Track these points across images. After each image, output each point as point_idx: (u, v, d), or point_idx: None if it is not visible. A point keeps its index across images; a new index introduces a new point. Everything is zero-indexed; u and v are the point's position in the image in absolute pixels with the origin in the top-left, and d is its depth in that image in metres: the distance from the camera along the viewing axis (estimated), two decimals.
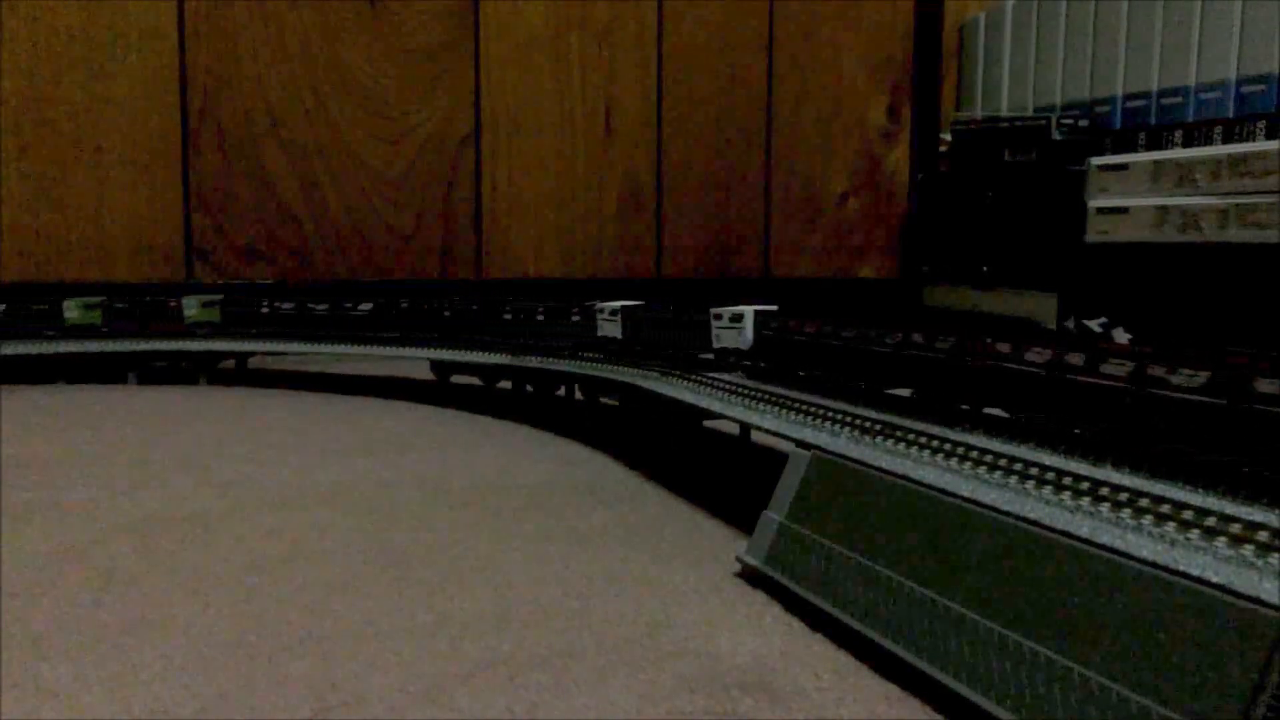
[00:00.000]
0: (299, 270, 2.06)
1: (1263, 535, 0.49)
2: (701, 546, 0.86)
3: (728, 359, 1.11)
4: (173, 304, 1.81)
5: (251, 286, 1.99)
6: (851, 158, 2.19)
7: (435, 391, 1.65)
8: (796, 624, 0.69)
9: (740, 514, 0.92)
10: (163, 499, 1.00)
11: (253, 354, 1.87)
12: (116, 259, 1.99)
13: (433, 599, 0.73)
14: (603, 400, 1.40)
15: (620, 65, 2.13)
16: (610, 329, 1.32)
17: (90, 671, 0.61)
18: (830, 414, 0.85)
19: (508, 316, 1.55)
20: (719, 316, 1.10)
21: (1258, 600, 0.44)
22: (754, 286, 2.17)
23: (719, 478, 1.14)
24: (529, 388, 1.53)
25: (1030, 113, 1.61)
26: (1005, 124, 1.51)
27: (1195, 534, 0.51)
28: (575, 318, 1.42)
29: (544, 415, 1.44)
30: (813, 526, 0.73)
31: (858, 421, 0.82)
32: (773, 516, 0.78)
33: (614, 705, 0.57)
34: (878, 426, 0.79)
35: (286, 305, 1.78)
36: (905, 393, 0.87)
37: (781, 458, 0.81)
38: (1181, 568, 0.48)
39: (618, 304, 1.31)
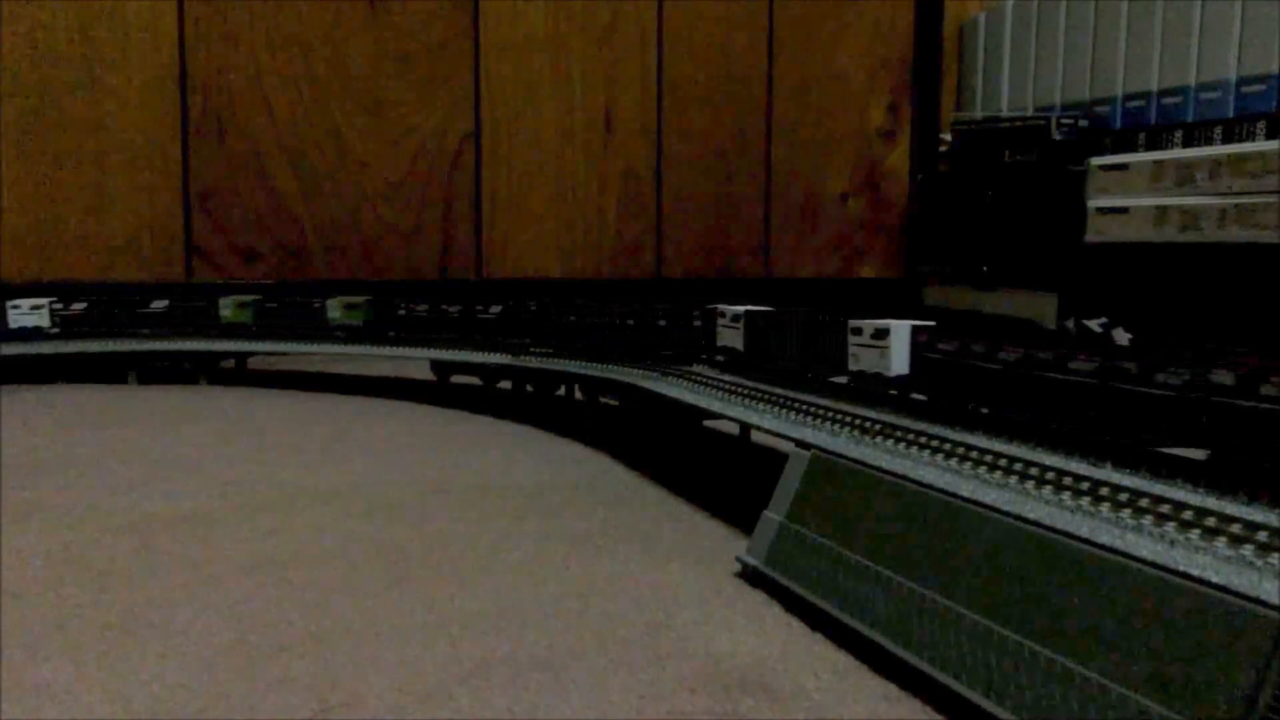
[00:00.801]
0: (298, 270, 2.06)
1: (1262, 535, 0.49)
2: (701, 546, 0.86)
3: (874, 387, 0.87)
4: (316, 304, 1.75)
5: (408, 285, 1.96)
6: (851, 158, 2.19)
7: (435, 391, 1.65)
8: (796, 624, 0.69)
9: (740, 514, 0.92)
10: (163, 499, 1.00)
11: (253, 354, 1.87)
12: (116, 258, 1.99)
13: (433, 599, 0.73)
14: (603, 400, 1.40)
15: (620, 65, 2.13)
16: (730, 337, 1.13)
17: (90, 671, 0.61)
18: (830, 414, 0.85)
19: (631, 323, 1.31)
20: (857, 331, 0.89)
21: (1258, 600, 0.44)
22: (754, 286, 2.17)
23: (719, 478, 1.14)
24: (529, 388, 1.53)
25: (1030, 113, 1.61)
26: (1005, 124, 1.51)
27: (1195, 534, 0.51)
28: (697, 322, 1.20)
29: (544, 415, 1.44)
30: (813, 526, 0.73)
31: (858, 421, 0.81)
32: (773, 516, 0.78)
33: (614, 705, 0.57)
34: (878, 426, 0.79)
35: (421, 308, 1.67)
36: (1198, 455, 0.58)
37: (781, 458, 0.81)
38: (1181, 568, 0.48)
39: (740, 309, 1.13)
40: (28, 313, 1.74)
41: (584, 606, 0.72)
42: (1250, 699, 0.42)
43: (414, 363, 1.70)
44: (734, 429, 1.17)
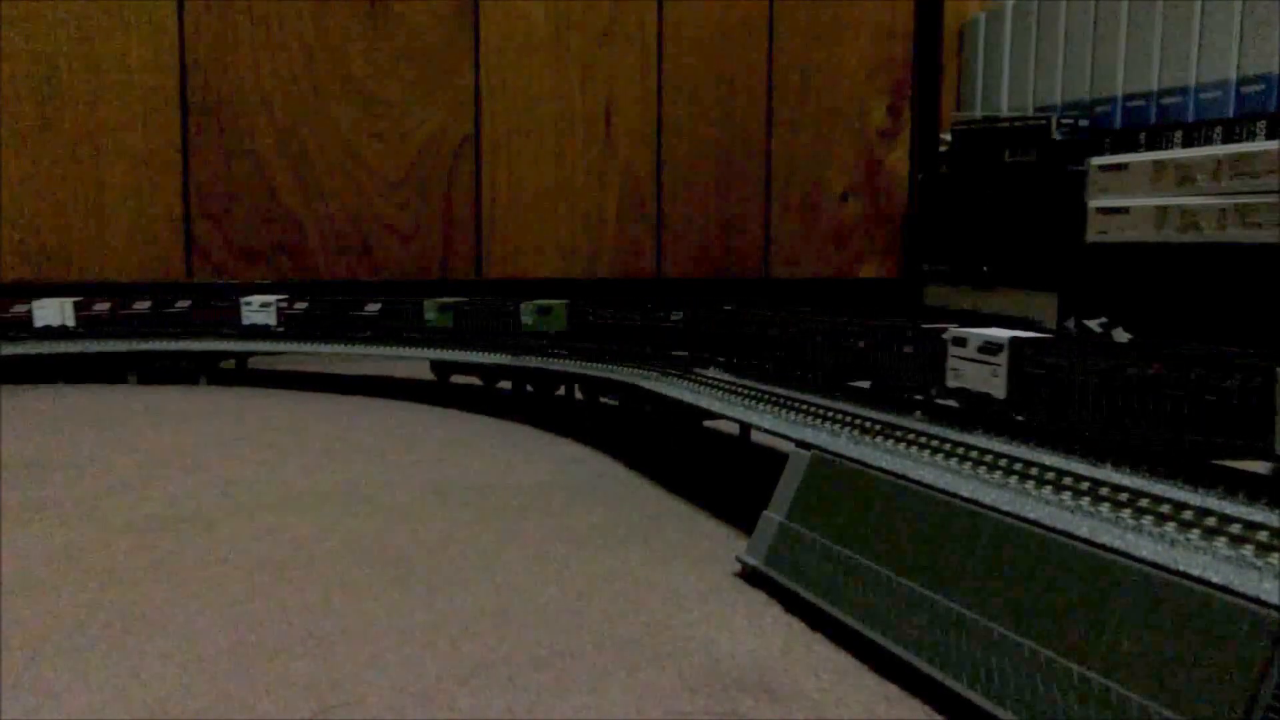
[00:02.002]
0: (298, 270, 2.06)
1: (1263, 535, 0.49)
2: (701, 546, 0.86)
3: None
4: (510, 307, 1.56)
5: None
6: (851, 158, 2.19)
7: (435, 391, 1.65)
8: (796, 624, 0.69)
9: (740, 514, 0.92)
10: (163, 499, 1.00)
11: (253, 354, 1.87)
12: (116, 259, 1.99)
13: (433, 599, 0.73)
14: (603, 400, 1.40)
15: (620, 65, 2.13)
16: (974, 377, 0.74)
17: (90, 671, 0.61)
18: (831, 414, 0.85)
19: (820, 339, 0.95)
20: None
21: (1258, 600, 0.44)
22: (754, 287, 2.17)
23: (719, 478, 1.14)
24: (529, 388, 1.53)
25: (1030, 113, 1.61)
26: (1005, 124, 1.51)
27: (1195, 534, 0.51)
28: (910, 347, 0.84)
29: (544, 415, 1.44)
30: (813, 526, 0.73)
31: (858, 421, 0.82)
32: (773, 516, 0.78)
33: (614, 705, 0.57)
34: (878, 426, 0.79)
35: (606, 313, 1.47)
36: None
37: (781, 458, 0.81)
38: (1181, 568, 0.48)
39: (999, 334, 0.73)
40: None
41: (584, 606, 0.72)
42: (1250, 699, 0.42)
43: (411, 363, 1.70)
44: (734, 429, 1.17)
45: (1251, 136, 1.18)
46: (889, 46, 2.15)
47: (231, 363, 1.87)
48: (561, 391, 1.49)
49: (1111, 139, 1.37)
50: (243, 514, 0.95)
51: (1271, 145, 1.11)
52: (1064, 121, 1.42)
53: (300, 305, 1.69)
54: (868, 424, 0.80)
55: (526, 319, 1.46)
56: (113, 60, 1.96)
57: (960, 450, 0.70)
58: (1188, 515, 0.53)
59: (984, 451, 0.68)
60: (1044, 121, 1.43)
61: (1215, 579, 0.46)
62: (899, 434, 0.76)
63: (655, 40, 2.13)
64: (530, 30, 2.09)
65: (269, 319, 1.70)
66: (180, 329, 1.75)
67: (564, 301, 1.45)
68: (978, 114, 1.70)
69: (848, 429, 0.82)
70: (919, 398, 0.81)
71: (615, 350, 1.32)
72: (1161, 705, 0.45)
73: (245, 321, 1.72)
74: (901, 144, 2.16)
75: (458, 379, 1.64)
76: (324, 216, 2.07)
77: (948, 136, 1.72)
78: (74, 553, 0.83)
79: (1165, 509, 0.54)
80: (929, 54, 1.97)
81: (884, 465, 0.70)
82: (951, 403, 0.77)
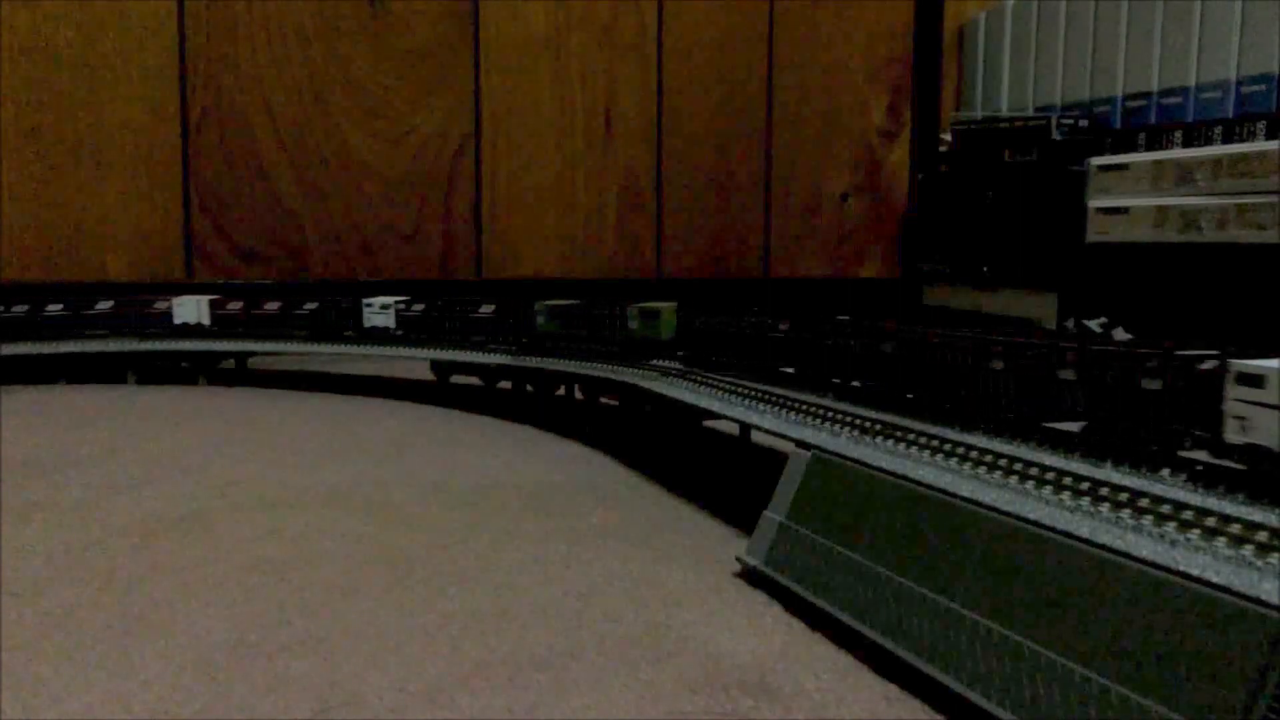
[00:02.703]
0: (298, 270, 2.06)
1: (1262, 535, 0.49)
2: (701, 546, 0.86)
3: None
4: (616, 311, 1.39)
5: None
6: (851, 158, 2.19)
7: (435, 391, 1.65)
8: (796, 624, 0.69)
9: (740, 514, 0.92)
10: (163, 499, 1.00)
11: (253, 354, 1.87)
12: (116, 259, 1.99)
13: (433, 599, 0.73)
14: (603, 400, 1.40)
15: (620, 65, 2.13)
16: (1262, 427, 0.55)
17: (90, 671, 0.61)
18: (830, 414, 0.85)
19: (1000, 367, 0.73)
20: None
21: (1258, 600, 0.44)
22: (754, 286, 2.17)
23: (719, 478, 1.14)
24: (529, 387, 1.53)
25: (1030, 113, 1.61)
26: (1005, 124, 1.51)
27: (1195, 534, 0.51)
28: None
29: (544, 415, 1.44)
30: (813, 526, 0.73)
31: (858, 421, 0.82)
32: (773, 516, 0.78)
33: (614, 705, 0.57)
34: (878, 426, 0.79)
35: (716, 319, 1.30)
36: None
37: (781, 458, 0.81)
38: (1181, 568, 0.48)
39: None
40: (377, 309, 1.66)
41: (584, 606, 0.72)
42: (1250, 699, 0.42)
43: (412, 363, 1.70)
44: (734, 429, 1.17)
45: (1251, 136, 1.17)
46: (889, 46, 2.15)
47: (231, 363, 1.87)
48: (561, 391, 1.49)
49: (1111, 139, 1.37)
50: (243, 514, 0.95)
51: (1271, 145, 1.11)
52: (1064, 121, 1.42)
53: (418, 307, 1.60)
54: (868, 424, 0.80)
55: (632, 324, 1.32)
56: (113, 60, 1.96)
57: (960, 450, 0.70)
58: (1188, 515, 0.53)
59: (984, 451, 0.68)
60: (1044, 121, 1.43)
61: (1215, 579, 0.46)
62: (899, 434, 0.76)
63: (655, 40, 2.13)
64: (530, 30, 2.09)
65: (388, 321, 1.61)
66: (307, 330, 1.70)
67: (672, 305, 1.30)
68: (978, 114, 1.70)
69: (848, 429, 0.82)
70: (1177, 452, 0.59)
71: (724, 362, 1.14)
72: (1161, 705, 0.45)
73: (366, 324, 1.65)
74: (901, 144, 2.16)
75: (458, 379, 1.64)
76: (324, 216, 2.07)
77: (948, 136, 1.71)
78: (74, 553, 0.83)
79: (1165, 509, 0.54)
80: (929, 54, 1.97)
81: (884, 465, 0.70)
82: (1229, 463, 0.56)
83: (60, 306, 1.80)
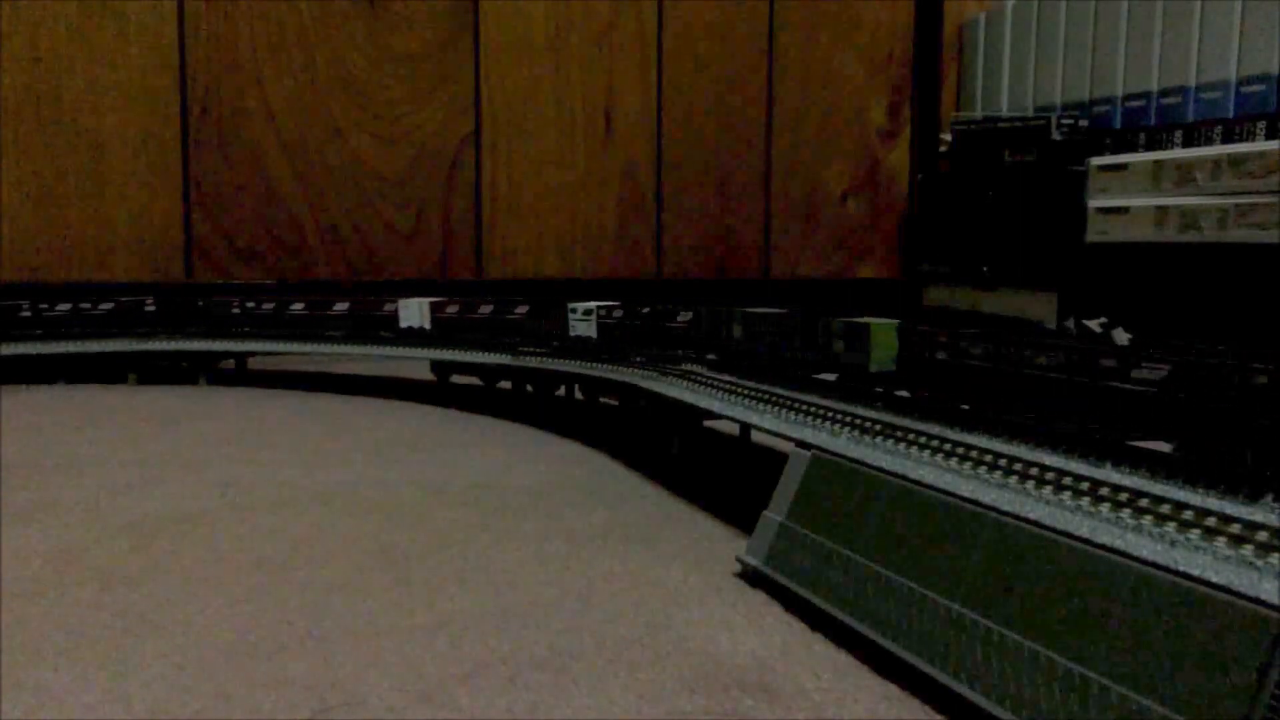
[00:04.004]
0: (299, 270, 2.06)
1: (1263, 535, 0.49)
2: (701, 546, 0.86)
3: None
4: (820, 325, 1.11)
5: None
6: (851, 158, 2.19)
7: (435, 391, 1.65)
8: (796, 624, 0.69)
9: (740, 514, 0.92)
10: (163, 499, 1.00)
11: (253, 354, 1.87)
12: (116, 259, 1.99)
13: (433, 599, 0.73)
14: (603, 400, 1.40)
15: (620, 65, 2.13)
16: None
17: (90, 671, 0.61)
18: (830, 414, 0.85)
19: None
20: None
21: (1258, 600, 0.44)
22: (754, 287, 2.17)
23: (719, 478, 1.14)
24: (529, 387, 1.53)
25: (1030, 113, 1.61)
26: (1005, 124, 1.51)
27: (1195, 534, 0.51)
28: None
29: (544, 415, 1.44)
30: (813, 526, 0.73)
31: (858, 421, 0.82)
32: (773, 516, 0.78)
33: (614, 705, 0.57)
34: (878, 426, 0.79)
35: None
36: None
37: (781, 458, 0.81)
38: (1181, 568, 0.48)
39: None
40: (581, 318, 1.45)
41: (584, 606, 0.72)
42: (1250, 699, 0.42)
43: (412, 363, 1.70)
44: (734, 429, 1.17)
45: (1251, 136, 1.18)
46: (889, 46, 2.15)
47: (231, 362, 1.87)
48: (561, 391, 1.49)
49: (1111, 139, 1.37)
50: (243, 514, 0.95)
51: (1271, 145, 1.11)
52: (1064, 121, 1.42)
53: (617, 314, 1.37)
54: (868, 424, 0.80)
55: (836, 343, 0.95)
56: (113, 60, 1.96)
57: (960, 450, 0.70)
58: (1188, 515, 0.53)
59: (984, 451, 0.68)
60: (1044, 121, 1.43)
61: (1215, 579, 0.46)
62: (899, 434, 0.76)
63: (655, 40, 2.13)
64: (530, 30, 2.09)
65: (590, 330, 1.39)
66: (519, 336, 1.53)
67: (890, 323, 0.90)
68: (978, 114, 1.70)
69: (848, 429, 0.82)
70: None
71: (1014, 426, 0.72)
72: (1161, 705, 0.45)
73: (572, 333, 1.43)
74: (901, 144, 2.16)
75: (458, 379, 1.64)
76: (324, 216, 2.07)
77: (948, 136, 1.71)
78: (74, 553, 0.83)
79: (1165, 509, 0.54)
80: (929, 54, 1.97)
81: (884, 465, 0.70)
82: None
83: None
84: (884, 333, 0.89)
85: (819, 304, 1.10)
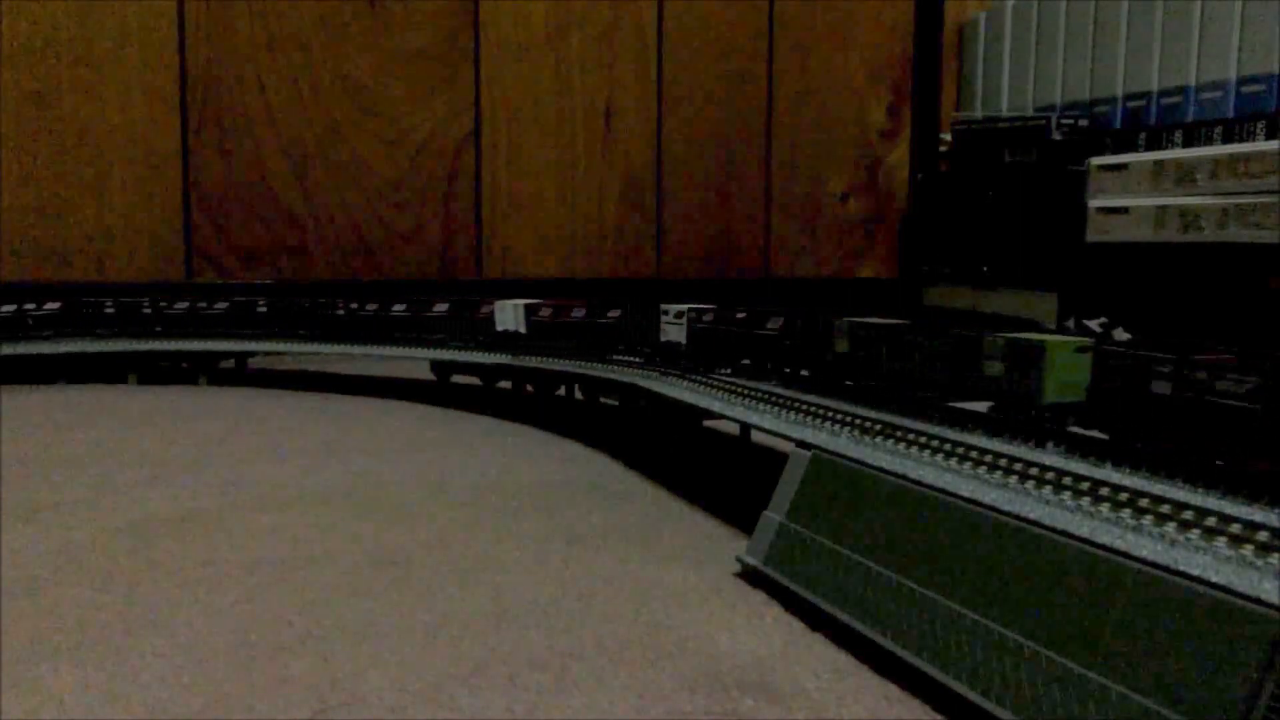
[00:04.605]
0: (299, 270, 2.06)
1: (1263, 535, 0.49)
2: (701, 546, 0.86)
3: None
4: (970, 339, 0.86)
5: None
6: (851, 158, 2.19)
7: (435, 391, 1.65)
8: (796, 624, 0.69)
9: (740, 514, 0.92)
10: (163, 499, 1.00)
11: (253, 354, 1.87)
12: (116, 259, 1.99)
13: (433, 599, 0.73)
14: (603, 400, 1.40)
15: (620, 65, 2.13)
16: None
17: (90, 671, 0.61)
18: (830, 414, 0.85)
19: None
20: None
21: (1258, 600, 0.44)
22: (754, 286, 2.17)
23: (719, 478, 1.14)
24: (529, 387, 1.53)
25: (1030, 113, 1.61)
26: (1005, 124, 1.51)
27: (1195, 534, 0.51)
28: None
29: (544, 415, 1.44)
30: (813, 526, 0.73)
31: (858, 421, 0.82)
32: (773, 516, 0.78)
33: (614, 705, 0.57)
34: (878, 426, 0.79)
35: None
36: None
37: (781, 458, 0.81)
38: (1181, 568, 0.48)
39: None
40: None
41: (584, 606, 0.72)
42: (1250, 699, 0.42)
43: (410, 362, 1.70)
44: (734, 429, 1.17)
45: (1251, 136, 1.17)
46: (889, 46, 2.15)
47: (231, 362, 1.87)
48: (562, 391, 1.49)
49: (1111, 139, 1.37)
50: (243, 514, 0.95)
51: (1271, 145, 1.11)
52: (1064, 121, 1.42)
53: (707, 319, 1.20)
54: (868, 424, 0.80)
55: (991, 366, 0.76)
56: (113, 60, 1.96)
57: (960, 450, 0.70)
58: (1188, 515, 0.53)
59: (984, 451, 0.68)
60: (1044, 121, 1.43)
61: (1215, 579, 0.46)
62: (899, 434, 0.76)
63: (655, 40, 2.13)
64: (530, 30, 2.09)
65: (680, 335, 1.25)
66: (608, 339, 1.40)
67: (1069, 341, 0.72)
68: (978, 114, 1.70)
69: (848, 429, 0.82)
70: None
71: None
72: (1161, 705, 0.45)
73: (663, 338, 1.28)
74: (901, 144, 2.16)
75: (458, 379, 1.64)
76: (324, 216, 2.07)
77: (948, 136, 1.71)
78: (74, 553, 0.83)
79: (1165, 509, 0.54)
80: (929, 54, 1.97)
81: (884, 465, 0.70)
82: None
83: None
84: (1064, 354, 0.71)
85: (819, 304, 1.07)
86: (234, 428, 1.39)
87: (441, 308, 1.62)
